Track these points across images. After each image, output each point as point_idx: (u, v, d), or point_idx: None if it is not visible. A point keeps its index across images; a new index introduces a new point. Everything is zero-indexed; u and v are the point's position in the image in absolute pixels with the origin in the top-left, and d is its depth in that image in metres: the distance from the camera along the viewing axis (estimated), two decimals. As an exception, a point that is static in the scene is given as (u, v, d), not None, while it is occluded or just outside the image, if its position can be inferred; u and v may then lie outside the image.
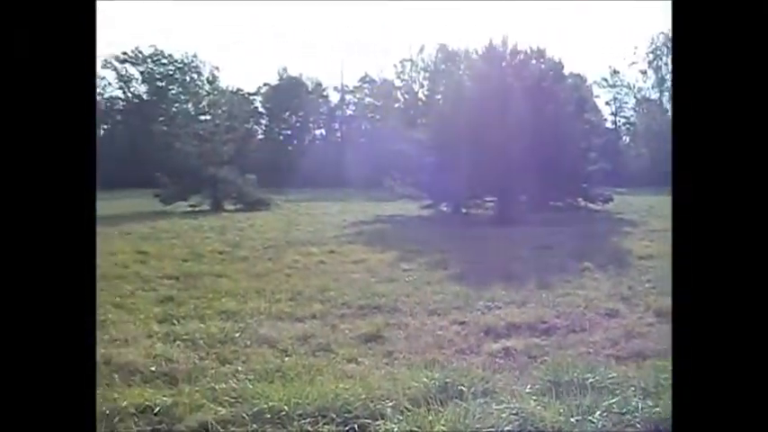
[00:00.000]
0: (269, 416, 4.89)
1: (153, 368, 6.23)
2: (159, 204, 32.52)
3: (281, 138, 79.48)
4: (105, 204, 37.53)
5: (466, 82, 28.94)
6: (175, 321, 8.16)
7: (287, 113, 79.81)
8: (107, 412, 5.03)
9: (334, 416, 4.86)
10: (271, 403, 5.02)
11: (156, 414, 5.06)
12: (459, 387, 5.27)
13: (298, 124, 79.98)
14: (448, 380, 5.42)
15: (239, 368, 6.22)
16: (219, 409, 5.08)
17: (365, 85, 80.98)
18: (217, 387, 5.57)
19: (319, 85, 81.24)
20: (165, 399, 5.29)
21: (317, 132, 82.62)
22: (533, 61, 27.00)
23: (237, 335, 7.44)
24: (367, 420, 4.79)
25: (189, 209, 31.26)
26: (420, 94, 77.91)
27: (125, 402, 5.18)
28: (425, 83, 78.16)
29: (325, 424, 4.76)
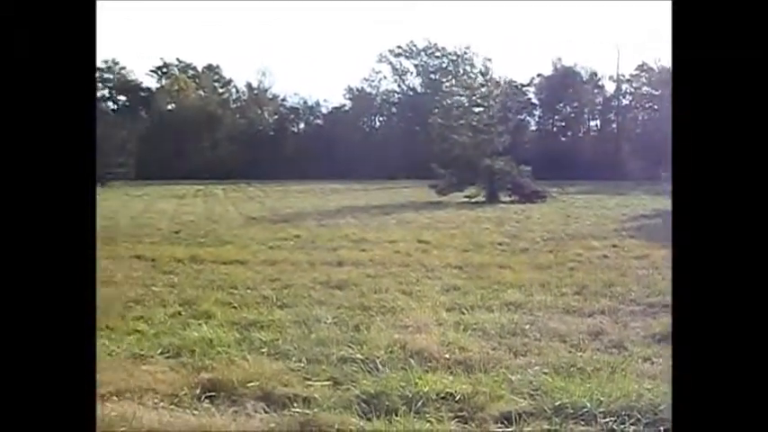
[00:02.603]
0: (571, 411, 4.87)
1: (447, 356, 6.34)
2: (435, 195, 33.25)
3: (555, 129, 78.69)
4: (382, 194, 39.26)
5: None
6: (464, 310, 8.28)
7: (561, 104, 78.80)
8: (410, 396, 5.24)
9: (639, 416, 4.75)
10: (572, 398, 4.99)
11: (456, 401, 5.18)
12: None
13: (572, 115, 78.65)
14: (760, 387, 5.10)
15: (533, 360, 6.22)
16: (519, 400, 5.13)
17: (642, 74, 77.75)
18: (513, 378, 5.61)
19: (594, 74, 79.20)
20: (463, 387, 5.41)
21: (592, 123, 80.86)
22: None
23: (527, 327, 7.43)
24: (676, 423, 4.62)
25: (464, 200, 31.54)
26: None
27: (426, 388, 5.36)
28: (708, 70, 73.90)
29: (631, 424, 4.67)
